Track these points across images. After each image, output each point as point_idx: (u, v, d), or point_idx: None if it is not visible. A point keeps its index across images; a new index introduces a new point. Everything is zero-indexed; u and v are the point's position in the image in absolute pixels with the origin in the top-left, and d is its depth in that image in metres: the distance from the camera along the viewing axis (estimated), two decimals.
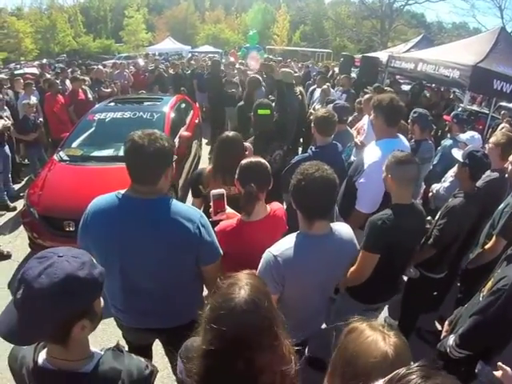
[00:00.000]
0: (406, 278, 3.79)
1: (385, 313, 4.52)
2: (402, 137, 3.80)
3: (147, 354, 2.95)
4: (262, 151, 3.54)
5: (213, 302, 1.42)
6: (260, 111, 4.37)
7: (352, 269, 2.68)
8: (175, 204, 2.25)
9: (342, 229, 2.35)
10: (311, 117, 4.08)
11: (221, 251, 2.36)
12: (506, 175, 3.84)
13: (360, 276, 2.73)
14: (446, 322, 2.92)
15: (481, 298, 2.45)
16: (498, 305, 2.22)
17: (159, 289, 2.30)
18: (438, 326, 4.32)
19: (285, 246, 2.13)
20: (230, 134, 3.59)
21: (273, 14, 52.35)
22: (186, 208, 2.31)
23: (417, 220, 2.89)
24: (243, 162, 2.70)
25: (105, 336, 3.96)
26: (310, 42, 49.28)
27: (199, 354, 1.41)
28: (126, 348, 2.84)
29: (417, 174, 2.82)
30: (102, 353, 1.52)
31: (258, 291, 1.43)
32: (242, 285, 1.43)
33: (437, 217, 3.54)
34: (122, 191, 2.23)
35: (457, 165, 3.62)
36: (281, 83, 5.31)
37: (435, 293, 4.23)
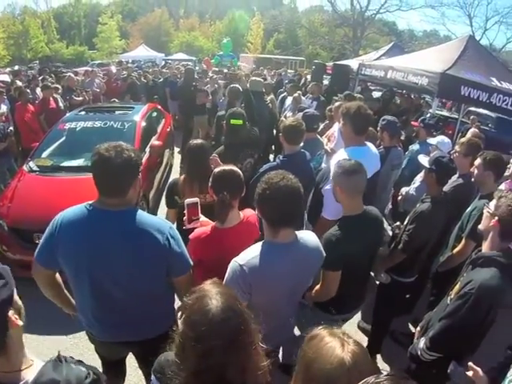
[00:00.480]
0: (378, 283, 3.85)
1: (358, 317, 4.57)
2: (370, 144, 3.84)
3: (121, 367, 2.94)
4: (233, 160, 3.55)
5: (189, 321, 1.42)
6: (233, 121, 4.40)
7: (317, 287, 2.70)
8: (144, 216, 2.27)
9: (308, 236, 2.36)
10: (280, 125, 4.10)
11: (191, 262, 2.37)
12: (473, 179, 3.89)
13: (326, 294, 2.74)
14: (418, 328, 2.95)
15: (448, 302, 2.50)
16: (466, 308, 2.27)
17: (131, 301, 2.28)
18: (412, 329, 4.37)
19: (250, 254, 2.14)
20: (198, 141, 3.62)
21: (247, 22, 52.57)
22: (155, 219, 2.33)
23: (371, 227, 2.86)
24: (216, 170, 2.76)
25: (77, 350, 3.88)
26: (283, 49, 49.54)
27: (187, 375, 1.39)
28: (100, 363, 2.83)
29: (364, 182, 2.78)
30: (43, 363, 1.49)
31: (228, 297, 1.46)
32: (212, 295, 1.44)
33: (405, 222, 3.60)
34: (91, 203, 2.22)
35: (423, 170, 3.69)
36: (247, 92, 5.34)
37: (408, 296, 4.26)
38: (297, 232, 2.29)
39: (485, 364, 2.10)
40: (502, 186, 4.32)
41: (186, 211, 2.80)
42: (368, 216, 2.87)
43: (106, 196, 2.18)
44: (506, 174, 4.24)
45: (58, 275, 2.42)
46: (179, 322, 1.51)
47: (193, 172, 3.44)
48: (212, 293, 1.45)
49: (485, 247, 2.48)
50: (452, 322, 2.36)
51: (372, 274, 3.54)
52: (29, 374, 1.38)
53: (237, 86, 7.22)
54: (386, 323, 3.98)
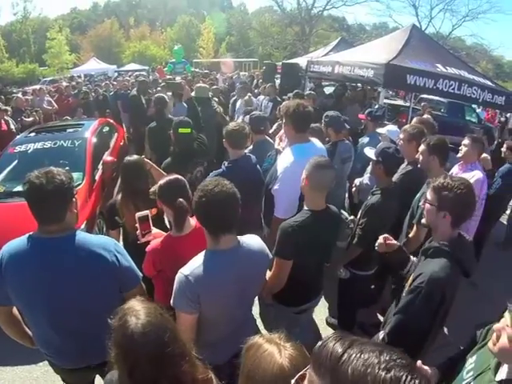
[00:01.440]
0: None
1: (325, 314, 4.64)
2: (314, 140, 3.88)
3: None
4: (183, 169, 3.55)
5: (114, 340, 1.45)
6: (181, 130, 4.40)
7: (268, 276, 2.72)
8: (86, 237, 2.28)
9: (251, 240, 2.38)
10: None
11: (140, 274, 2.40)
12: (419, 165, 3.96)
13: (276, 282, 2.78)
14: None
15: (404, 294, 2.49)
16: (418, 302, 2.26)
17: (88, 325, 2.23)
18: (381, 318, 4.46)
19: (195, 264, 2.14)
20: (131, 158, 3.65)
21: (197, 28, 52.41)
22: (98, 238, 2.35)
23: (330, 223, 2.93)
24: (161, 181, 2.80)
25: (49, 377, 3.83)
26: (236, 52, 49.78)
27: None
28: None
29: (333, 180, 2.85)
30: None
31: (149, 311, 1.49)
32: (132, 312, 1.47)
33: (358, 215, 3.67)
34: (32, 233, 2.20)
35: (371, 162, 3.75)
36: (190, 101, 5.34)
37: (372, 286, 4.35)
38: (239, 237, 2.30)
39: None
40: (455, 169, 4.48)
41: (137, 225, 2.82)
42: (329, 212, 2.93)
43: (44, 224, 2.16)
44: (459, 155, 4.38)
45: (15, 309, 2.38)
46: None
47: (127, 190, 3.47)
48: (132, 310, 1.48)
49: (436, 237, 2.48)
50: (405, 317, 2.36)
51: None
52: None
53: (161, 94, 7.23)
54: (351, 316, 4.06)
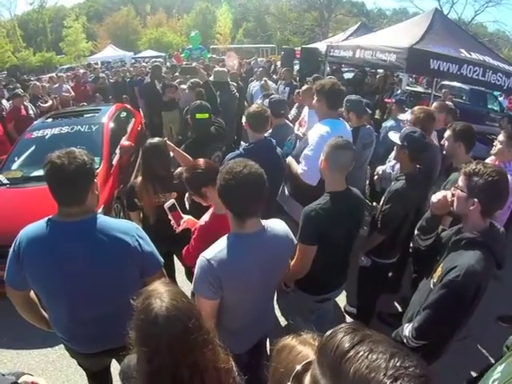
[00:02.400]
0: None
1: (343, 301, 4.56)
2: (343, 121, 3.93)
3: (106, 376, 2.90)
4: (201, 154, 3.50)
5: (136, 323, 1.39)
6: (198, 115, 4.37)
7: (292, 262, 2.66)
8: (107, 220, 2.22)
9: (276, 225, 2.30)
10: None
11: (162, 259, 2.35)
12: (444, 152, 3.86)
13: (300, 268, 2.73)
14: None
15: (431, 285, 2.41)
16: (452, 298, 2.18)
17: (107, 310, 2.21)
18: (399, 308, 4.38)
19: (217, 248, 2.08)
20: (153, 140, 3.59)
21: (214, 14, 52.13)
22: (120, 222, 2.29)
23: (352, 205, 2.86)
24: (194, 168, 2.80)
25: (64, 361, 3.87)
26: (253, 38, 49.41)
27: (142, 378, 1.36)
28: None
29: (352, 161, 2.80)
30: None
31: (174, 294, 1.43)
32: (157, 294, 1.41)
33: (381, 202, 3.56)
34: (50, 217, 2.14)
35: (395, 147, 3.63)
36: (207, 84, 5.30)
37: (390, 274, 4.26)
38: (263, 221, 2.23)
39: None
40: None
41: (170, 216, 2.81)
42: (350, 194, 2.88)
43: (65, 206, 2.11)
44: (492, 151, 4.13)
45: (32, 293, 2.34)
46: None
47: (147, 173, 3.44)
48: (157, 292, 1.42)
49: (466, 227, 2.36)
50: (438, 313, 2.27)
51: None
52: None
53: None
54: (371, 306, 3.98)
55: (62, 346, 3.81)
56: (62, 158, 2.05)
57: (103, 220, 2.18)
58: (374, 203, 3.87)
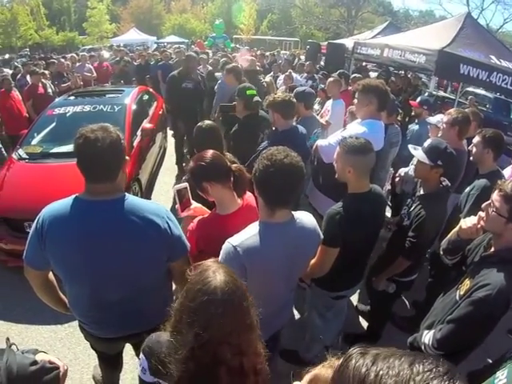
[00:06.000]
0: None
1: (355, 300, 4.51)
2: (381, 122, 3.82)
3: (118, 359, 2.89)
4: (251, 134, 3.42)
5: (189, 292, 1.36)
6: (248, 92, 4.37)
7: (312, 262, 2.60)
8: (138, 201, 2.13)
9: (304, 217, 2.25)
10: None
11: (188, 244, 2.26)
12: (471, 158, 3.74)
13: (320, 269, 2.69)
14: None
15: (457, 297, 2.35)
16: (481, 316, 2.12)
17: (131, 296, 2.16)
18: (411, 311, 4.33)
19: (245, 236, 2.03)
20: (205, 123, 3.52)
21: (239, 3, 51.82)
22: (151, 204, 2.20)
23: (376, 205, 2.81)
24: (207, 157, 2.50)
25: (73, 339, 3.87)
26: (277, 30, 49.00)
27: (182, 354, 1.32)
28: (96, 357, 2.79)
29: (374, 161, 2.73)
30: None
31: (230, 272, 1.42)
32: (215, 269, 1.40)
33: (407, 222, 3.22)
34: (77, 196, 2.05)
35: (418, 164, 3.21)
36: (253, 72, 5.31)
37: None
38: (293, 212, 2.18)
39: None
40: (508, 171, 4.19)
41: (177, 198, 2.56)
42: (373, 194, 2.82)
43: (95, 182, 2.01)
44: None
45: (51, 274, 2.27)
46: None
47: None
48: (214, 267, 1.41)
49: (498, 244, 2.27)
50: (464, 328, 2.21)
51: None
52: None
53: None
54: (386, 309, 3.82)
55: (71, 323, 3.83)
56: (95, 132, 1.96)
57: (133, 200, 2.10)
58: (389, 216, 3.70)
